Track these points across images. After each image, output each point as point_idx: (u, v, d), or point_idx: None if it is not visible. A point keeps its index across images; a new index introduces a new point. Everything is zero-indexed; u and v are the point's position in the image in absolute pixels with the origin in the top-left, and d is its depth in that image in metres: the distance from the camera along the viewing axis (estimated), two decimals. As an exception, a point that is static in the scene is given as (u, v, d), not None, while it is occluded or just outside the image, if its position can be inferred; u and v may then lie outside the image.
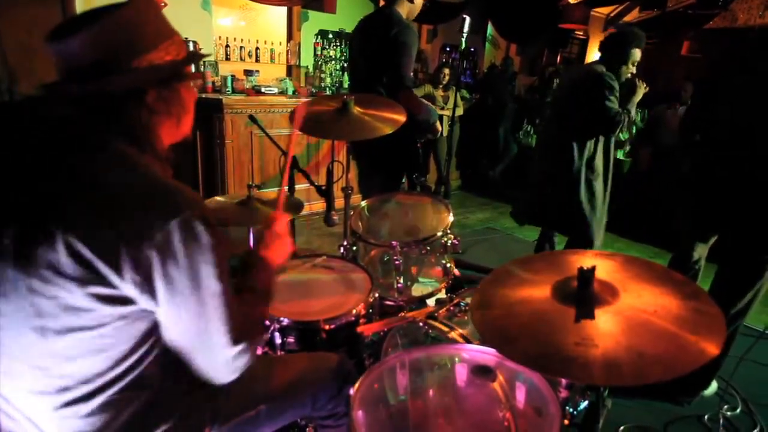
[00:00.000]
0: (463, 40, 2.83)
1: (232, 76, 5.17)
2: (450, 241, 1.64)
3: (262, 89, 5.02)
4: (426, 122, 2.36)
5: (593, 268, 1.03)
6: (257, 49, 5.61)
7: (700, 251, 2.18)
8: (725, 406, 2.10)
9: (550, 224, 2.87)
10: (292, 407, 1.14)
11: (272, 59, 5.71)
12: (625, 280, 1.09)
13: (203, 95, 4.39)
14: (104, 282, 0.77)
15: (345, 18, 5.73)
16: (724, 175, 1.88)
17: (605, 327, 0.96)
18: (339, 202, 2.31)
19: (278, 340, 1.35)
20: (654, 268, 1.14)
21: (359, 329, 1.35)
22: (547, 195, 2.64)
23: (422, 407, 1.18)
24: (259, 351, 1.40)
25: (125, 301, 0.80)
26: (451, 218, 1.67)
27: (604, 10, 7.78)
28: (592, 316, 1.00)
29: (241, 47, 5.48)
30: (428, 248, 1.61)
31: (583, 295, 1.03)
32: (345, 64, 5.97)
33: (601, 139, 2.54)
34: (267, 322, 1.37)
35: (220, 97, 3.93)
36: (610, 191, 2.69)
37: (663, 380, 0.85)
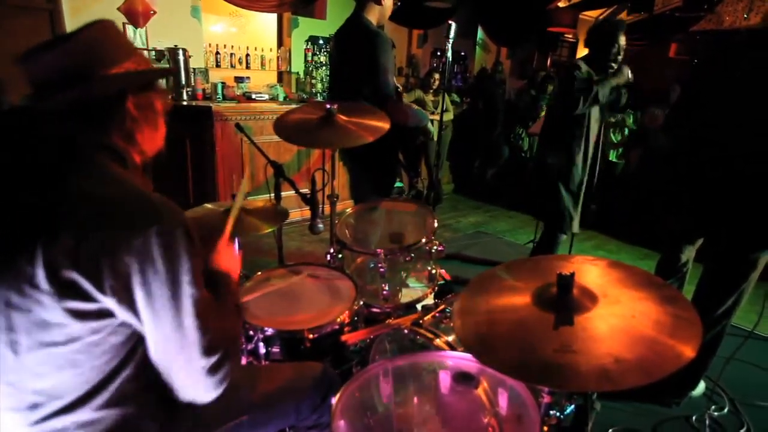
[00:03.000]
0: (449, 46, 2.84)
1: (222, 83, 5.17)
2: (435, 248, 1.65)
3: (253, 95, 5.02)
4: (417, 127, 2.37)
5: (572, 275, 1.04)
6: (248, 55, 5.62)
7: (688, 253, 2.19)
8: (713, 407, 2.11)
9: (534, 210, 3.12)
10: (276, 417, 1.14)
11: (263, 66, 5.72)
12: (606, 285, 1.09)
13: (193, 103, 4.39)
14: (82, 296, 0.77)
15: (335, 24, 5.71)
16: (715, 174, 1.89)
17: (584, 333, 0.97)
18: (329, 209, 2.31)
19: (262, 350, 1.35)
20: (635, 273, 1.15)
21: (343, 338, 1.35)
22: (534, 183, 2.90)
23: (406, 415, 1.18)
24: (244, 361, 1.40)
25: (102, 314, 0.80)
26: (435, 224, 1.68)
27: (592, 13, 7.83)
28: (571, 323, 1.00)
29: (231, 54, 5.49)
30: (412, 255, 1.61)
31: (563, 302, 1.03)
32: (335, 70, 5.99)
33: (582, 125, 2.62)
34: (251, 332, 1.37)
35: (210, 104, 3.92)
36: (590, 182, 2.85)
37: (641, 385, 0.86)
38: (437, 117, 4.85)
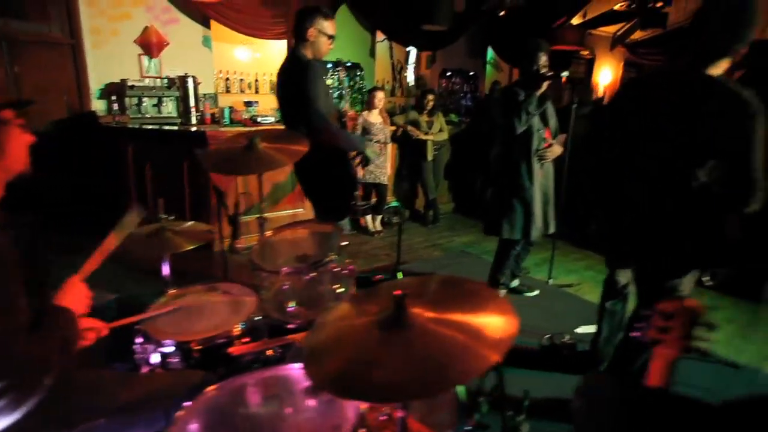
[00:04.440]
0: (411, 69, 2.95)
1: (230, 107, 5.47)
2: (344, 268, 1.73)
3: (259, 119, 5.29)
4: (356, 151, 2.50)
5: (404, 295, 1.10)
6: (257, 81, 5.92)
7: (624, 276, 2.15)
8: None
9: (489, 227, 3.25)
10: (142, 421, 1.23)
11: (271, 90, 6.01)
12: (448, 301, 1.16)
13: (202, 127, 4.69)
14: None
15: (341, 48, 5.96)
16: (624, 202, 1.85)
17: (403, 347, 1.03)
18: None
19: (158, 360, 1.47)
20: (472, 288, 1.21)
21: (229, 350, 1.45)
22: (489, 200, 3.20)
23: (271, 423, 1.26)
24: (145, 370, 1.53)
25: None
26: (342, 244, 1.76)
27: (609, 29, 7.73)
28: (396, 338, 1.07)
29: (240, 79, 5.81)
30: (315, 274, 1.70)
31: (392, 319, 1.10)
32: (342, 92, 6.20)
33: (522, 139, 2.90)
34: (148, 343, 1.49)
35: (204, 129, 4.18)
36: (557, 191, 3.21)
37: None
38: (431, 137, 4.93)
